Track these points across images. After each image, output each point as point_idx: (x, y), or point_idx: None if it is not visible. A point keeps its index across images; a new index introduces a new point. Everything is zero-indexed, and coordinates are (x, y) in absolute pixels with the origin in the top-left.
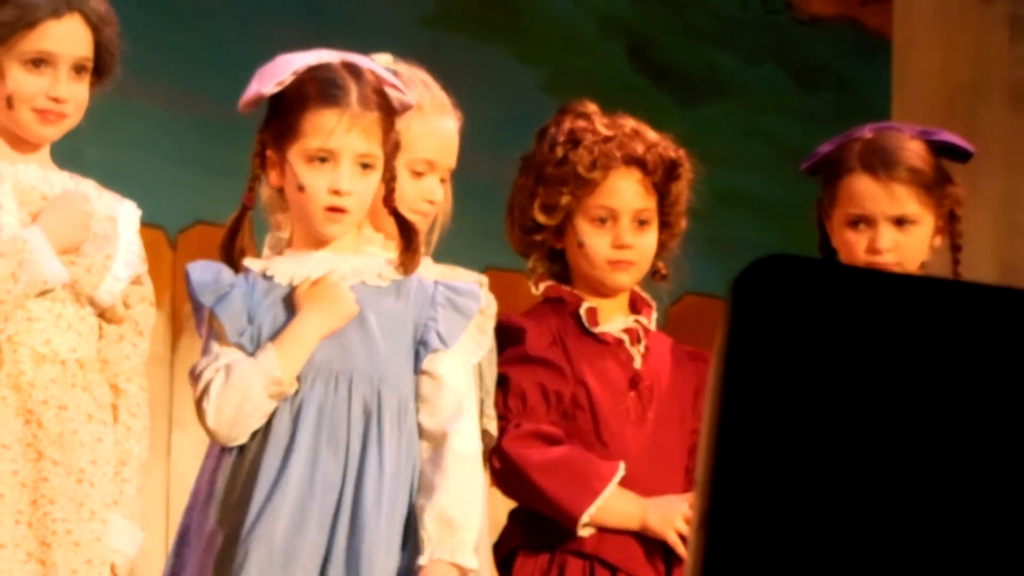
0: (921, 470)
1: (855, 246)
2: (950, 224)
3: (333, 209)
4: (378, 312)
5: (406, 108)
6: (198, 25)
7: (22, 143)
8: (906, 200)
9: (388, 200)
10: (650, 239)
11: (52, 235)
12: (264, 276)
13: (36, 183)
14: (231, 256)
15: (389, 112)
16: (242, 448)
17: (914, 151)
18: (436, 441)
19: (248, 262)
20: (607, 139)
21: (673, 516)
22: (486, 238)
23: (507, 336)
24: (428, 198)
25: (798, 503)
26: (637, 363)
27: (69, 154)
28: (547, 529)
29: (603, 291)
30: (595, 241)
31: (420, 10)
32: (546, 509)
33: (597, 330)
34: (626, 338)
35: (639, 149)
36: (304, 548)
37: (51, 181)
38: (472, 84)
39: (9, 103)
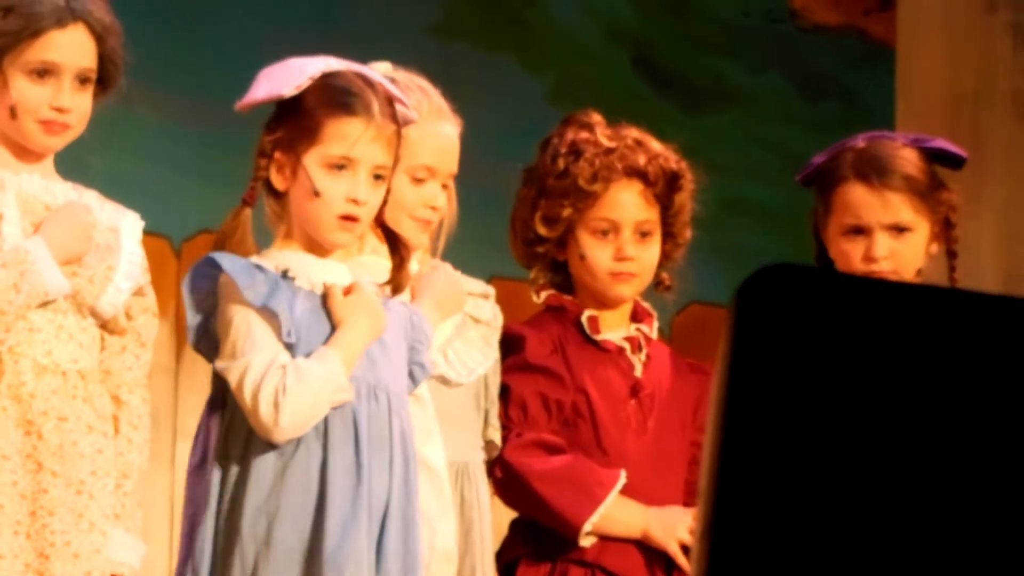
0: (924, 479)
1: (851, 255)
2: (946, 230)
3: (347, 218)
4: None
5: (408, 123)
6: (202, 35)
7: (25, 153)
8: (900, 208)
9: (379, 215)
10: (652, 251)
11: (54, 246)
12: (284, 276)
13: (39, 193)
14: (227, 251)
15: (399, 126)
16: (293, 457)
17: (907, 159)
18: None
19: (258, 260)
20: (608, 151)
21: (676, 527)
22: (490, 247)
23: (508, 344)
24: (429, 204)
25: (801, 511)
26: (638, 371)
27: (73, 164)
28: (549, 538)
29: (605, 303)
30: (597, 253)
31: (426, 19)
32: (548, 518)
33: (599, 338)
34: (627, 346)
35: (640, 161)
36: (374, 564)
37: (54, 191)
38: (477, 93)
39: (13, 113)
